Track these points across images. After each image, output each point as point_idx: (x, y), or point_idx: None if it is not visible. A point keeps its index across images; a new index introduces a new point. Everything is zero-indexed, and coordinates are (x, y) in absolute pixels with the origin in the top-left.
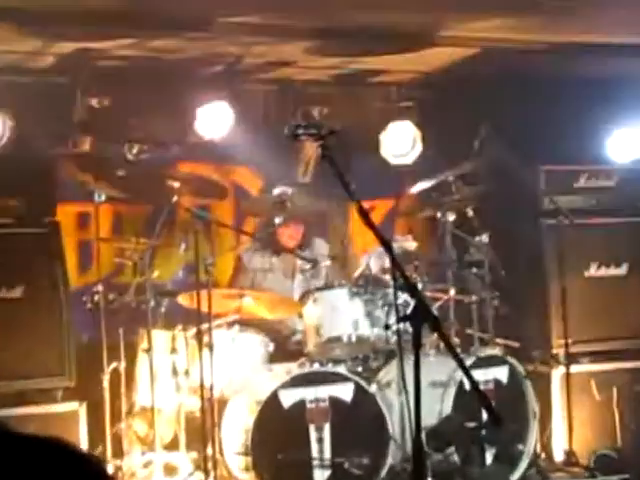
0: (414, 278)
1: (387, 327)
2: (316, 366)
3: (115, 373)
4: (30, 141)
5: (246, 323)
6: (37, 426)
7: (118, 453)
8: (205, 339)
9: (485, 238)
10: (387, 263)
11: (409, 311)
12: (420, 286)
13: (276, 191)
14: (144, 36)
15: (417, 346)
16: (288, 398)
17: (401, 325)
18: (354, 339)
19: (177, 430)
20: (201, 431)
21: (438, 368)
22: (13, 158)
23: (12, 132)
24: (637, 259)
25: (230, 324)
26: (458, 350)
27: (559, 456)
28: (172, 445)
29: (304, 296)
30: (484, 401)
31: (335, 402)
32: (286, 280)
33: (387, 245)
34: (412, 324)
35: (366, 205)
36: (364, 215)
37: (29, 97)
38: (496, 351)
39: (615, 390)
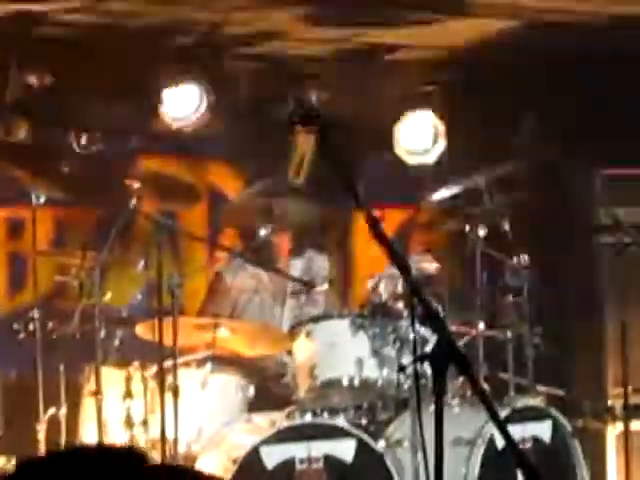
0: (435, 307)
1: (401, 369)
2: (308, 417)
3: (54, 421)
4: None
5: (221, 361)
6: None
7: None
8: (169, 380)
9: (524, 259)
10: (400, 288)
11: (429, 348)
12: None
13: (259, 191)
14: None
15: (439, 393)
16: (272, 457)
17: (418, 366)
18: (357, 383)
19: None
20: None
21: (463, 422)
22: None
23: None
24: None
25: (200, 362)
26: None
27: None
28: None
29: (295, 327)
30: (523, 464)
31: (332, 463)
32: (275, 306)
33: (403, 265)
34: (433, 365)
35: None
36: (374, 226)
37: None
38: (537, 401)
39: None
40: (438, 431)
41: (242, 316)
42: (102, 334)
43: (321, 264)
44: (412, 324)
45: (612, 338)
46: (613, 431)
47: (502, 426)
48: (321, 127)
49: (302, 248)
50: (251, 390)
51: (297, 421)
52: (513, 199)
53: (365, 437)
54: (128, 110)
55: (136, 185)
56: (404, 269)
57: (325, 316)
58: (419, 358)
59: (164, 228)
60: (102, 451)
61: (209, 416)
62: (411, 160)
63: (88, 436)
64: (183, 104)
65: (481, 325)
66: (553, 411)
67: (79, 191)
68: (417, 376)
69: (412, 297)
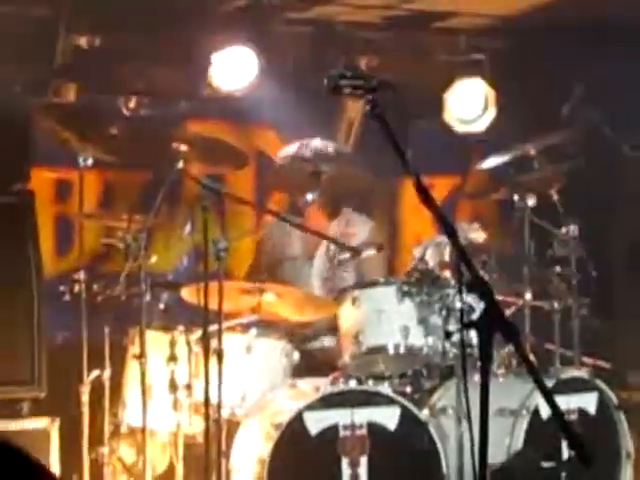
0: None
1: (447, 335)
2: (353, 383)
3: (97, 384)
4: (1, 88)
5: (266, 326)
6: None
7: None
8: (213, 345)
9: (573, 229)
10: (447, 256)
11: (476, 316)
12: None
13: (307, 155)
14: None
15: (486, 360)
16: (316, 423)
17: (465, 334)
18: (402, 350)
19: (173, 458)
20: (204, 460)
21: (508, 392)
22: None
23: None
24: None
25: (246, 326)
26: None
27: None
28: (166, 476)
29: (341, 293)
30: (569, 435)
31: (376, 430)
32: (323, 276)
33: (452, 232)
34: (480, 332)
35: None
36: (424, 193)
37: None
38: (582, 373)
39: None
40: (484, 399)
41: (287, 281)
42: (147, 297)
43: (364, 225)
44: (459, 290)
45: None
46: None
47: (548, 395)
48: (373, 90)
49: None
50: (296, 355)
51: (341, 387)
52: (563, 169)
53: (409, 405)
54: (176, 74)
55: (183, 148)
56: (452, 235)
57: (371, 283)
58: (466, 325)
59: (211, 191)
60: None
61: (253, 381)
62: (461, 128)
63: (131, 399)
64: (232, 69)
65: (528, 295)
66: (599, 383)
67: (127, 154)
68: (463, 343)
69: (460, 264)
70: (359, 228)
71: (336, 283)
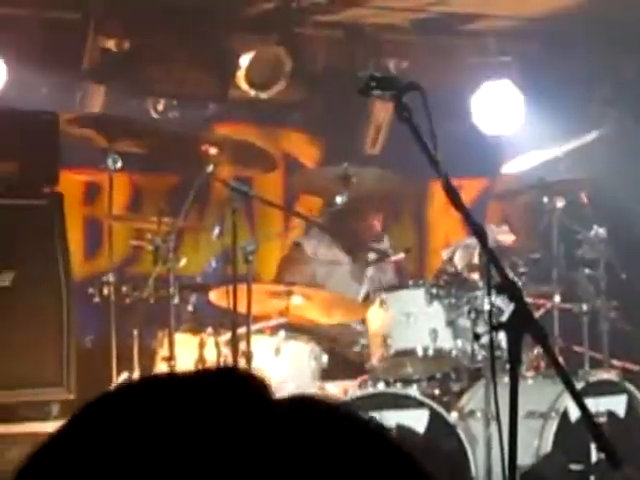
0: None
1: (476, 337)
2: (381, 386)
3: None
4: (28, 90)
5: (295, 328)
6: (25, 448)
7: None
8: (242, 347)
9: (602, 231)
10: (476, 258)
11: (505, 318)
12: None
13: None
14: None
15: (515, 362)
16: None
17: (493, 336)
18: (431, 353)
19: None
20: None
21: (537, 395)
22: (6, 111)
23: (6, 79)
24: None
25: (274, 329)
26: None
27: None
28: None
29: (369, 297)
30: (599, 437)
31: (404, 433)
32: (352, 281)
33: (481, 233)
34: (509, 334)
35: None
36: (454, 194)
37: (28, 35)
38: (612, 375)
39: None
40: (513, 400)
41: (320, 288)
42: (176, 300)
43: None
44: (488, 292)
45: None
46: None
47: (578, 397)
48: (402, 92)
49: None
50: (324, 358)
51: (370, 390)
52: (592, 171)
53: (438, 407)
54: (205, 77)
55: (213, 151)
56: (482, 237)
57: (400, 285)
58: (495, 327)
59: (240, 194)
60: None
61: (282, 383)
62: (489, 130)
63: None
64: (261, 71)
65: (557, 297)
66: (628, 385)
67: (155, 157)
68: (492, 345)
69: (489, 265)
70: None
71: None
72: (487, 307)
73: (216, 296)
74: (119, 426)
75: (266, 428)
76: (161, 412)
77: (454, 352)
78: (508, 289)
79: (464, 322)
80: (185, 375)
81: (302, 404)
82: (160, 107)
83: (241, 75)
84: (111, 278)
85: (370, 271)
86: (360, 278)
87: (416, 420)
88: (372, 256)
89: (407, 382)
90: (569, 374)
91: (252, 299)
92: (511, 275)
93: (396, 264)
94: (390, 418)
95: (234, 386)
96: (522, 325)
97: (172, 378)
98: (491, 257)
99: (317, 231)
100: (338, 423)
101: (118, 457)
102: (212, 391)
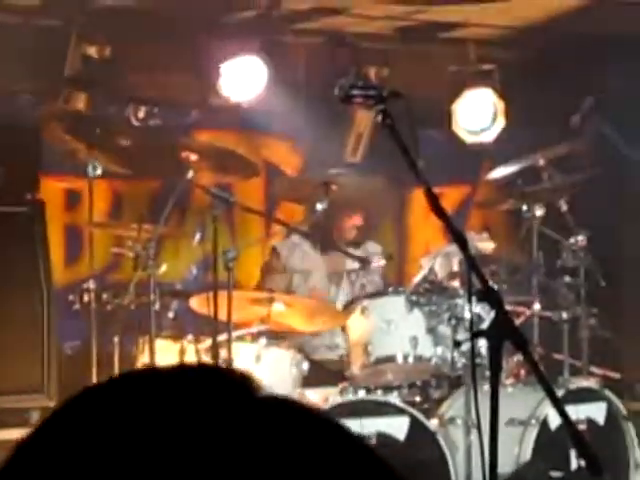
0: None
1: (457, 344)
2: (362, 393)
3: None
4: (9, 98)
5: (275, 336)
6: (4, 456)
7: None
8: (222, 354)
9: (582, 239)
10: (456, 266)
11: (486, 325)
12: None
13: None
14: None
15: (496, 369)
16: None
17: (474, 344)
18: (411, 360)
19: None
20: None
21: (517, 402)
22: None
23: None
24: None
25: (255, 336)
26: None
27: None
28: None
29: (350, 304)
30: (580, 444)
31: (385, 440)
32: (330, 285)
33: (462, 241)
34: (490, 342)
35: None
36: (435, 202)
37: (9, 43)
38: (591, 383)
39: None
40: (494, 407)
41: (296, 293)
42: (157, 306)
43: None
44: (469, 299)
45: None
46: None
47: (559, 404)
48: (384, 100)
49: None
50: (305, 365)
51: (350, 397)
52: (572, 179)
53: (418, 415)
54: (186, 84)
55: (193, 158)
56: (463, 244)
57: (380, 293)
58: (476, 334)
59: (220, 201)
60: (174, 374)
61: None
62: (469, 138)
63: None
64: (242, 79)
65: (537, 305)
66: (607, 393)
67: (135, 164)
68: (474, 352)
69: (469, 272)
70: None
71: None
72: (467, 315)
73: (197, 303)
74: (99, 422)
75: (246, 419)
76: (142, 406)
77: (434, 359)
78: (489, 296)
79: (444, 329)
80: (167, 369)
81: (283, 401)
82: (141, 114)
83: (222, 82)
84: (92, 285)
85: (352, 277)
86: (338, 282)
87: (396, 427)
88: (353, 264)
89: (387, 389)
90: (550, 381)
91: (233, 306)
92: (491, 282)
93: (379, 271)
94: (370, 425)
95: (215, 378)
96: (503, 332)
97: (154, 372)
98: (472, 264)
99: (294, 237)
100: (319, 422)
101: (97, 453)
102: (193, 384)
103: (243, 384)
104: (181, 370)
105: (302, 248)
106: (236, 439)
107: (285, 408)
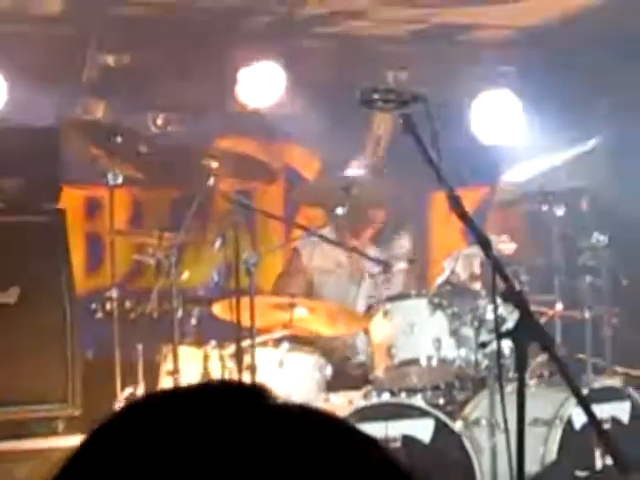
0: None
1: (482, 345)
2: (386, 396)
3: (131, 400)
4: (28, 106)
5: (298, 340)
6: (32, 465)
7: None
8: (246, 360)
9: (603, 238)
10: (477, 268)
11: (511, 326)
12: None
13: (340, 175)
14: None
15: (522, 369)
16: None
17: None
18: (435, 363)
19: None
20: None
21: (540, 402)
22: (7, 128)
23: (6, 94)
24: None
25: (277, 341)
26: None
27: None
28: None
29: (372, 308)
30: (607, 443)
31: (410, 443)
32: (351, 286)
33: (486, 242)
34: (515, 342)
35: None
36: (457, 205)
37: (28, 51)
38: (615, 382)
39: None
40: (520, 407)
41: (318, 296)
42: (179, 314)
43: (402, 243)
44: (493, 299)
45: None
46: None
47: (585, 402)
48: (405, 103)
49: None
50: (329, 370)
51: (374, 401)
52: (592, 179)
53: (443, 417)
54: (204, 91)
55: (213, 164)
56: (485, 245)
57: (403, 295)
58: (502, 335)
59: (241, 207)
60: (216, 391)
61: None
62: (487, 140)
63: None
64: (260, 85)
65: (559, 305)
66: (632, 392)
67: (155, 172)
68: (499, 353)
69: (493, 273)
70: (400, 244)
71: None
72: (490, 316)
73: (220, 309)
74: (127, 450)
75: (266, 435)
76: (166, 428)
77: (458, 361)
78: (513, 297)
79: (467, 331)
80: (188, 389)
81: (302, 411)
82: (159, 122)
83: (240, 89)
84: (114, 293)
85: (375, 278)
86: (360, 283)
87: (421, 430)
88: (376, 268)
89: (411, 392)
90: (573, 378)
91: (255, 312)
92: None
93: (402, 273)
94: (395, 428)
95: (236, 396)
96: (528, 333)
97: (174, 393)
98: (495, 265)
99: (317, 240)
100: (337, 430)
101: (140, 465)
102: (214, 404)
103: (260, 396)
104: (202, 388)
105: (322, 247)
106: (255, 451)
107: (302, 417)
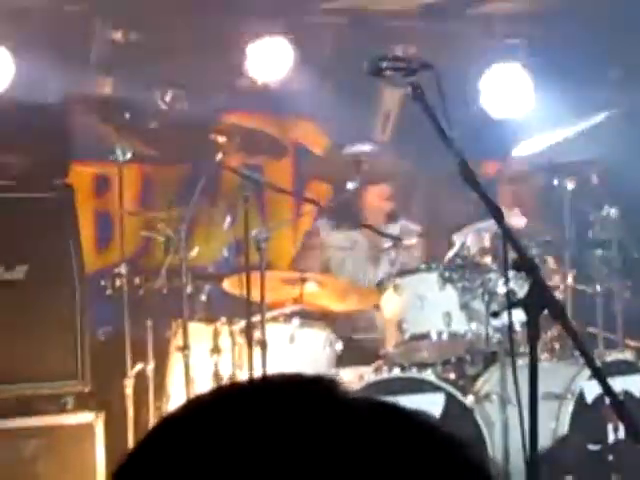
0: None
1: (494, 314)
2: (396, 371)
3: (141, 377)
4: (36, 83)
5: (309, 316)
6: (42, 441)
7: None
8: (256, 335)
9: (614, 211)
10: (487, 242)
11: (523, 295)
12: None
13: (349, 150)
14: None
15: (534, 338)
16: None
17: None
18: (446, 337)
19: None
20: None
21: (552, 376)
22: (14, 104)
23: (14, 71)
24: None
25: (288, 317)
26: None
27: None
28: None
29: (383, 282)
30: (622, 414)
31: None
32: (368, 264)
33: (498, 212)
34: (527, 311)
35: None
36: (471, 176)
37: (35, 27)
38: (626, 355)
39: None
40: (533, 377)
41: (336, 274)
42: (189, 290)
43: (413, 218)
44: (505, 271)
45: None
46: None
47: (598, 371)
48: (414, 72)
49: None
50: (339, 345)
51: (385, 375)
52: (603, 152)
53: (454, 391)
54: (213, 66)
55: (221, 140)
56: (498, 215)
57: (413, 270)
58: (513, 304)
59: (250, 182)
60: (285, 384)
61: (297, 371)
62: (497, 114)
63: (175, 391)
64: (268, 60)
65: (570, 279)
66: None
67: (165, 147)
68: (511, 325)
69: (505, 244)
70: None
71: None
72: (500, 290)
73: (230, 285)
74: (205, 432)
75: (347, 435)
76: (247, 424)
77: (468, 335)
78: (525, 266)
79: (478, 305)
80: (257, 385)
81: (383, 410)
82: (168, 98)
83: (249, 64)
84: (123, 270)
85: (391, 255)
86: (377, 260)
87: (432, 404)
88: (386, 243)
89: (422, 366)
90: (588, 349)
91: (265, 287)
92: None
93: (416, 248)
94: (406, 403)
95: (313, 391)
96: (540, 301)
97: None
98: (508, 235)
99: (331, 217)
100: (417, 431)
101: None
102: (290, 402)
103: (331, 391)
104: (266, 383)
105: (339, 227)
106: (335, 453)
107: (373, 410)
